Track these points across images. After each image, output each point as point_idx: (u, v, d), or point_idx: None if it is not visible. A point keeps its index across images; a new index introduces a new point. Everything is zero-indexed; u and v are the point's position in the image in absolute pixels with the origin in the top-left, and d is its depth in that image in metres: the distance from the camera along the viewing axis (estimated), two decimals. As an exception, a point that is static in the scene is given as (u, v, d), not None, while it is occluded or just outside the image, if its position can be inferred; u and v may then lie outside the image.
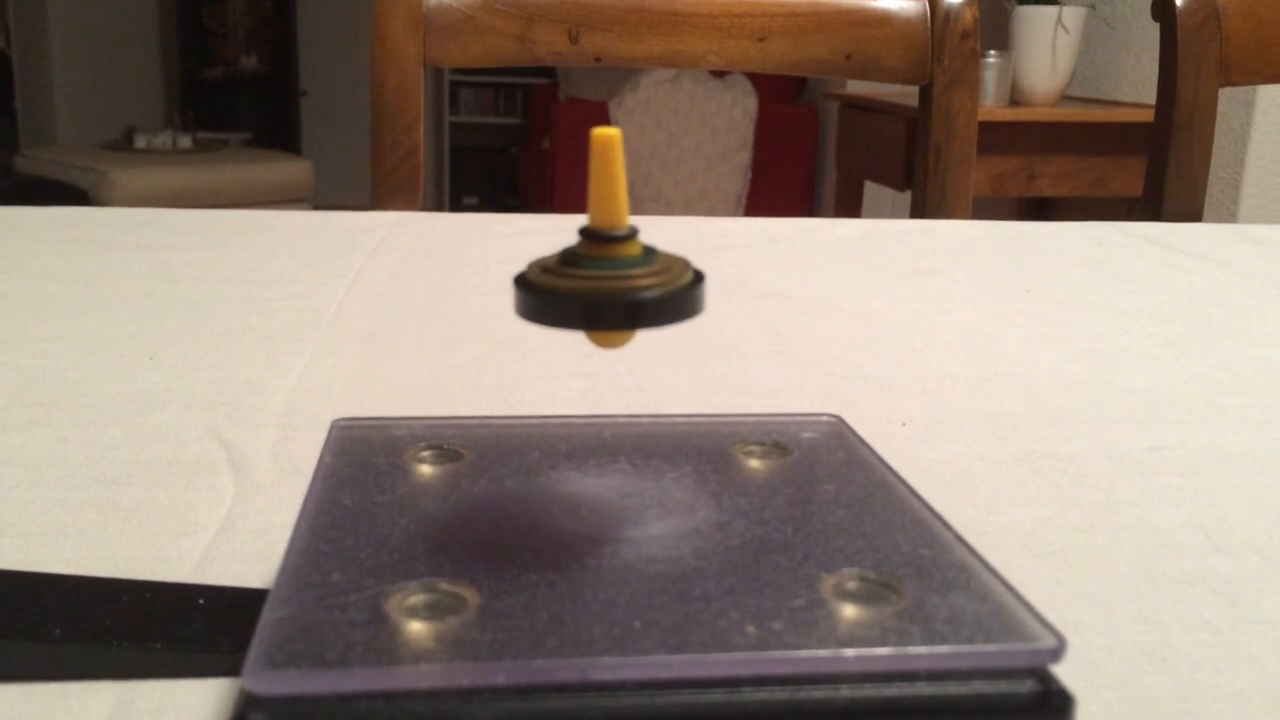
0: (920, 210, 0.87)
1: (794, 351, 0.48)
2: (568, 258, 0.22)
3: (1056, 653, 0.18)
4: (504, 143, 5.33)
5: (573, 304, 0.22)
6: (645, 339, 0.48)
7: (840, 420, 0.28)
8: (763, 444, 0.26)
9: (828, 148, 3.89)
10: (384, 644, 0.17)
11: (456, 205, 5.22)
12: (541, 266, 0.22)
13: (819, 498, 0.23)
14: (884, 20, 0.83)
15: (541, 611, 0.18)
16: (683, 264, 0.23)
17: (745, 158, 4.03)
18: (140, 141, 4.09)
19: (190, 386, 0.40)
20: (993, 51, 2.20)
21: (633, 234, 0.22)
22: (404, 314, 0.52)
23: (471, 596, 0.18)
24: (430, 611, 0.18)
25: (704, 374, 0.45)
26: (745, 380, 0.44)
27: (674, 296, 0.22)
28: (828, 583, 0.19)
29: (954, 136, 0.83)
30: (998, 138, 2.13)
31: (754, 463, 0.25)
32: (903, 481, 0.24)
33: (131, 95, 5.14)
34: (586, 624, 0.18)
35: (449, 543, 0.21)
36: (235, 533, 0.29)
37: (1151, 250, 0.73)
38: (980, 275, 0.65)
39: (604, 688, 0.17)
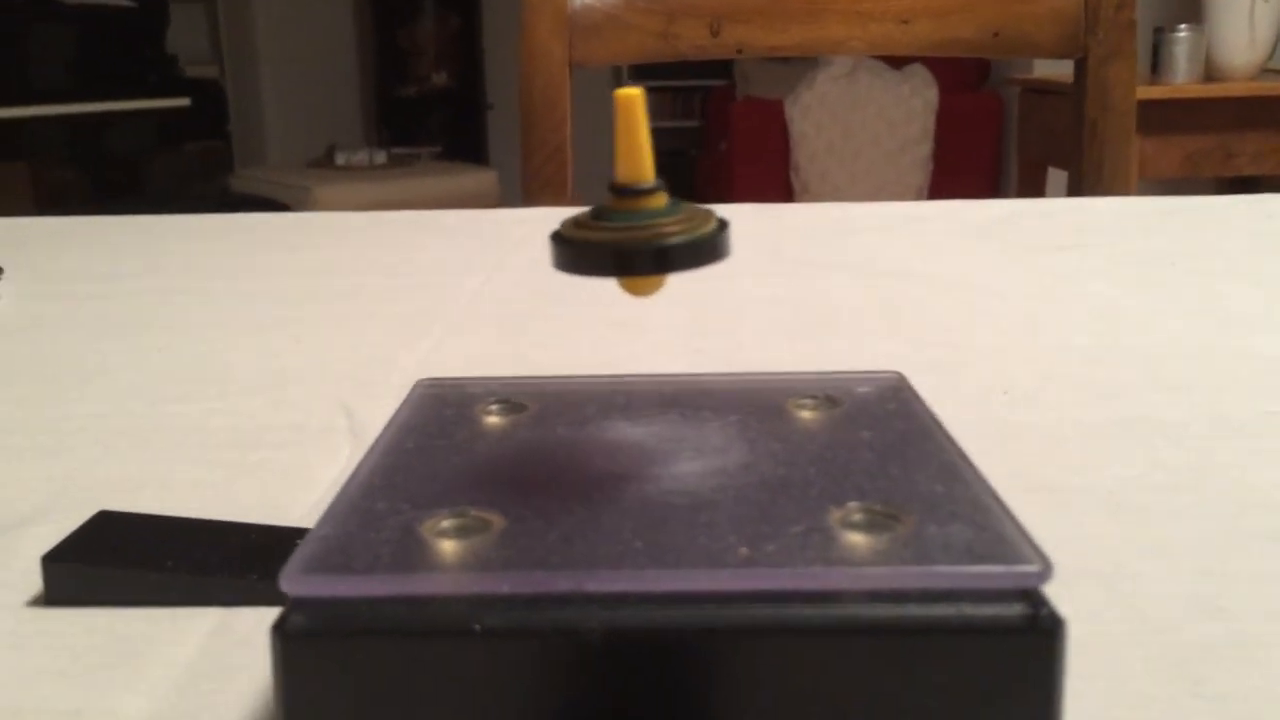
0: (1077, 189, 0.84)
1: (909, 326, 0.48)
2: (598, 213, 0.24)
3: (1041, 575, 0.18)
4: (682, 146, 5.37)
5: (603, 253, 0.23)
6: (761, 317, 0.49)
7: (901, 376, 0.28)
8: (815, 397, 0.26)
9: (1013, 136, 3.77)
10: (408, 558, 0.19)
11: (638, 209, 5.28)
12: (575, 222, 0.24)
13: (852, 443, 0.24)
14: (1033, -5, 0.81)
15: (555, 534, 0.20)
16: (706, 213, 0.24)
17: (926, 149, 3.95)
18: (340, 158, 4.33)
19: (325, 364, 0.43)
20: (1183, 25, 2.10)
21: (658, 187, 0.24)
22: (534, 300, 0.54)
23: (497, 521, 0.20)
24: (457, 533, 0.20)
25: (813, 348, 0.46)
26: (853, 353, 0.45)
27: (699, 242, 0.23)
28: (835, 514, 0.20)
29: (1111, 111, 0.80)
30: (1190, 115, 2.03)
31: (803, 414, 0.26)
32: (943, 431, 0.24)
33: (333, 115, 5.43)
34: (592, 544, 0.19)
35: (489, 478, 0.23)
36: (344, 488, 0.32)
37: (1323, 220, 0.69)
38: (1126, 250, 0.63)
39: (603, 600, 0.18)
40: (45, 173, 3.68)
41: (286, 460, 0.34)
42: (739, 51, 0.83)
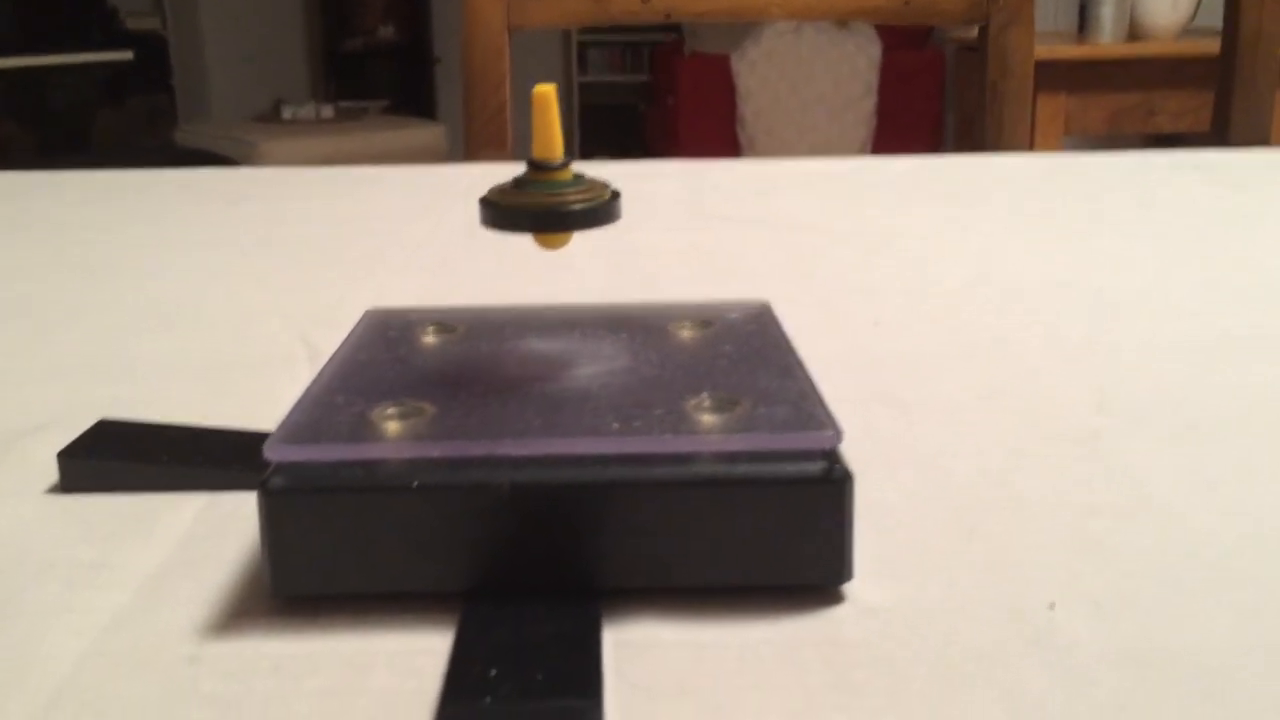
0: (980, 145, 0.91)
1: (806, 271, 0.55)
2: (518, 182, 0.30)
3: (834, 438, 0.24)
4: (633, 100, 5.39)
5: (522, 214, 0.29)
6: (675, 264, 0.55)
7: (766, 304, 0.34)
8: (692, 320, 0.32)
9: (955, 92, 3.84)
10: (362, 433, 0.25)
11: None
12: (499, 190, 0.30)
13: (714, 353, 0.30)
14: (941, -36, 0.87)
15: (474, 416, 0.26)
16: (603, 185, 0.30)
17: (869, 105, 4.01)
18: (287, 113, 4.31)
19: (286, 304, 0.49)
20: (1110, -14, 2.17)
21: (566, 163, 0.30)
22: (473, 247, 0.60)
23: (430, 409, 0.26)
24: (399, 417, 0.26)
25: (717, 289, 0.52)
26: (750, 293, 0.51)
27: (596, 208, 0.29)
28: (690, 402, 0.26)
29: (1010, 75, 0.87)
30: (1115, 74, 2.11)
31: (681, 333, 0.32)
32: (788, 343, 0.30)
33: (278, 69, 5.38)
34: (502, 422, 0.25)
35: (425, 379, 0.28)
36: (306, 404, 0.37)
37: (1192, 176, 0.76)
38: (1012, 203, 0.69)
39: (510, 462, 0.24)
40: (-13, 127, 3.64)
41: (254, 383, 0.40)
42: (667, 16, 0.88)
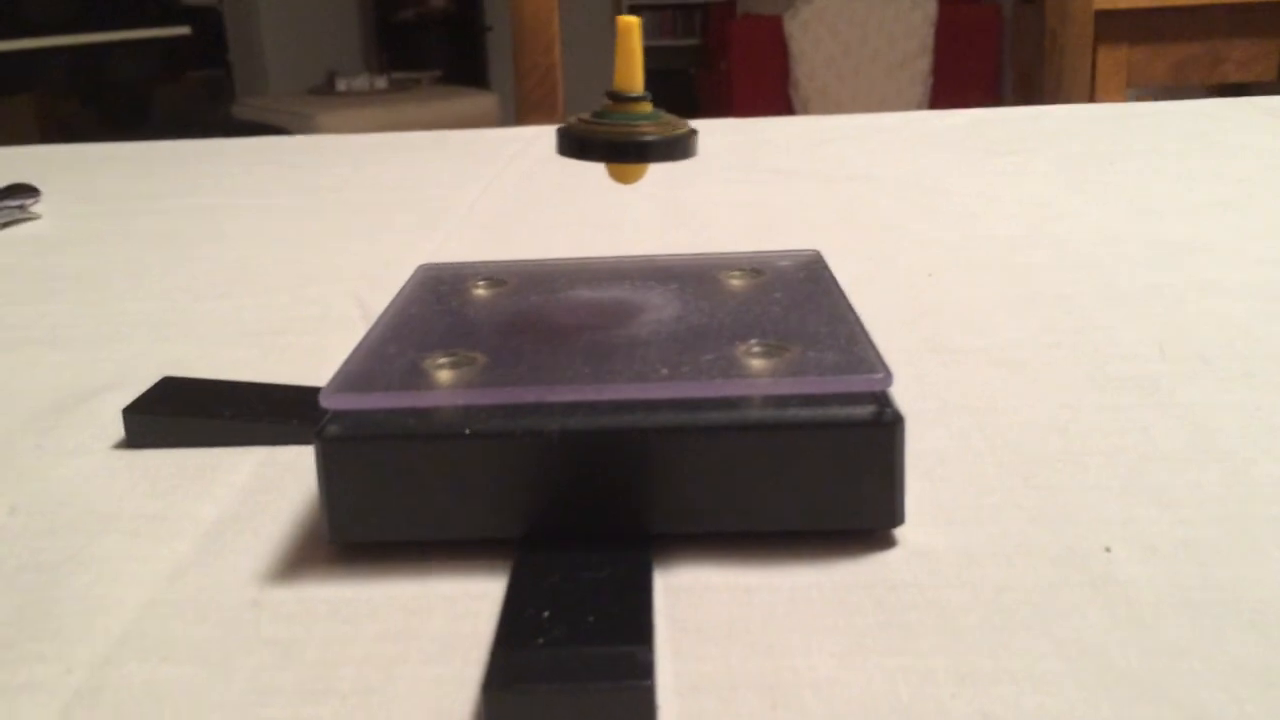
0: (1039, 97, 0.89)
1: (858, 223, 0.54)
2: (597, 114, 0.30)
3: (885, 380, 0.24)
4: (684, 64, 5.35)
5: (598, 143, 0.29)
6: (728, 217, 0.55)
7: (817, 253, 0.34)
8: (743, 269, 0.32)
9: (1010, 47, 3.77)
10: (415, 381, 0.25)
11: (639, 129, 5.27)
12: (578, 119, 0.30)
13: (764, 300, 0.30)
14: (997, -88, 0.85)
15: (525, 365, 0.26)
16: (681, 121, 0.30)
17: (925, 64, 3.95)
18: (341, 85, 4.34)
19: (341, 266, 0.49)
20: (1174, -68, 2.10)
21: (645, 96, 0.29)
22: (525, 208, 0.60)
23: (481, 358, 0.26)
24: (451, 366, 0.26)
25: (766, 239, 0.51)
26: (802, 245, 0.50)
27: (673, 140, 0.29)
28: (739, 348, 0.26)
29: (1070, 20, 0.85)
30: (1178, 22, 2.05)
31: (732, 282, 0.32)
32: (839, 290, 0.30)
33: (332, 41, 5.41)
34: (553, 370, 0.25)
35: (476, 330, 0.29)
36: (361, 361, 0.38)
37: (1262, 121, 0.74)
38: (1069, 153, 0.68)
39: (560, 409, 0.24)
40: (51, 104, 3.71)
41: (310, 343, 0.40)
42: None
